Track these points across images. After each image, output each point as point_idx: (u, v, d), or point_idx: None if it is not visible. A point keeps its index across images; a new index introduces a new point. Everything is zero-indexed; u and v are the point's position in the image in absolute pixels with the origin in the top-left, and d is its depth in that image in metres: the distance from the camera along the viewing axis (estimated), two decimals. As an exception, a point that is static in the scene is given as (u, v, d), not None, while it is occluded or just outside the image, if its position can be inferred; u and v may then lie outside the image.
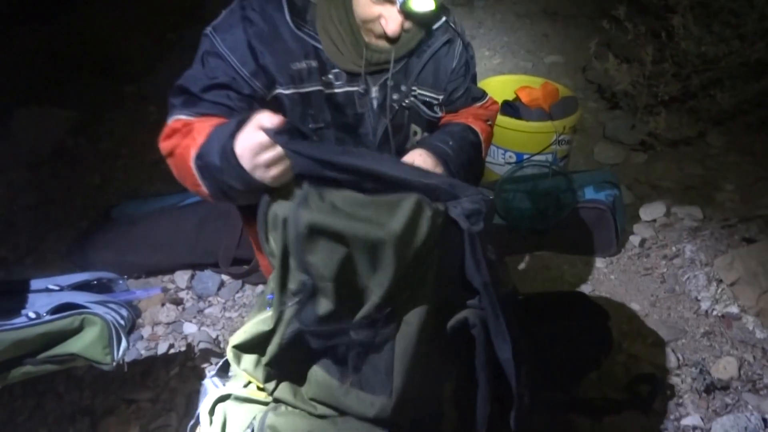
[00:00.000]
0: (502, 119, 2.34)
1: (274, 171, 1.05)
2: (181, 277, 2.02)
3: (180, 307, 1.94)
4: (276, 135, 1.02)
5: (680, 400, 1.63)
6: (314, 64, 1.32)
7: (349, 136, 1.40)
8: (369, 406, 1.01)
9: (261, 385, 1.12)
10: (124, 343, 1.19)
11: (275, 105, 1.31)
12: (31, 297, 1.25)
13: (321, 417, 1.06)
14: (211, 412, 1.13)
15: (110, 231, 2.06)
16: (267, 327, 1.06)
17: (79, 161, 2.60)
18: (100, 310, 1.20)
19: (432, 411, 1.11)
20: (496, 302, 1.03)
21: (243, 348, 1.11)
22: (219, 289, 2.00)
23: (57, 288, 1.29)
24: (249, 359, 1.12)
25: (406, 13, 1.23)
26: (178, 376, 1.71)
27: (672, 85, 2.77)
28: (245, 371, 1.12)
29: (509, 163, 2.33)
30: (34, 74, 3.08)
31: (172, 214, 2.07)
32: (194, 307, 1.95)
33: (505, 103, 2.44)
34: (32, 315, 1.15)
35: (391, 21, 1.23)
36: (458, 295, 1.07)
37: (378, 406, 1.01)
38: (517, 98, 2.46)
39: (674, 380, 1.69)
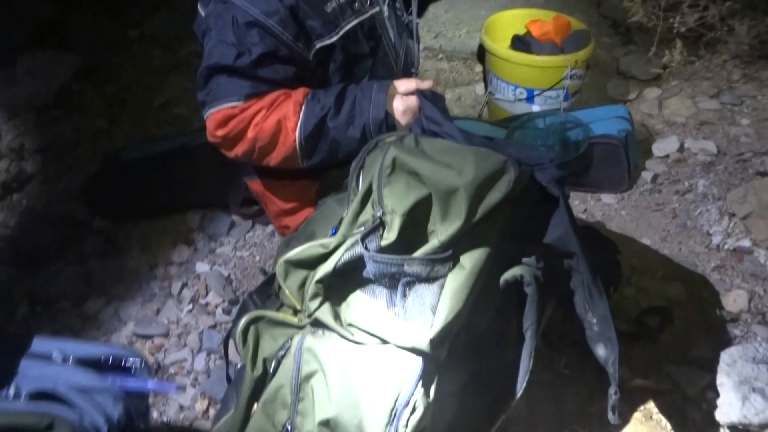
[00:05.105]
0: (512, 54, 2.30)
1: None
2: (192, 218, 2.04)
3: (192, 247, 1.96)
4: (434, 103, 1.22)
5: (689, 332, 1.64)
6: None
7: (378, 61, 1.43)
8: (409, 335, 1.03)
9: (299, 308, 1.13)
10: None
11: (318, 60, 1.32)
12: (26, 363, 1.08)
13: (358, 343, 1.08)
14: (244, 332, 1.15)
15: (120, 173, 2.07)
16: (325, 250, 1.09)
17: (86, 105, 2.60)
18: (81, 408, 1.03)
19: (470, 354, 1.14)
20: (593, 264, 1.12)
21: (295, 263, 1.12)
22: (230, 229, 2.02)
23: (60, 359, 1.10)
24: (296, 278, 1.13)
25: None
26: (191, 313, 1.75)
27: (688, 16, 2.68)
28: (288, 288, 1.13)
29: (519, 100, 2.30)
30: (38, 18, 3.04)
31: (181, 155, 2.07)
32: (206, 247, 1.97)
33: (516, 37, 2.39)
34: (12, 392, 1.01)
35: None
36: (515, 251, 1.11)
37: (417, 336, 1.02)
38: (528, 32, 2.40)
39: (683, 313, 1.69)
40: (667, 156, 2.26)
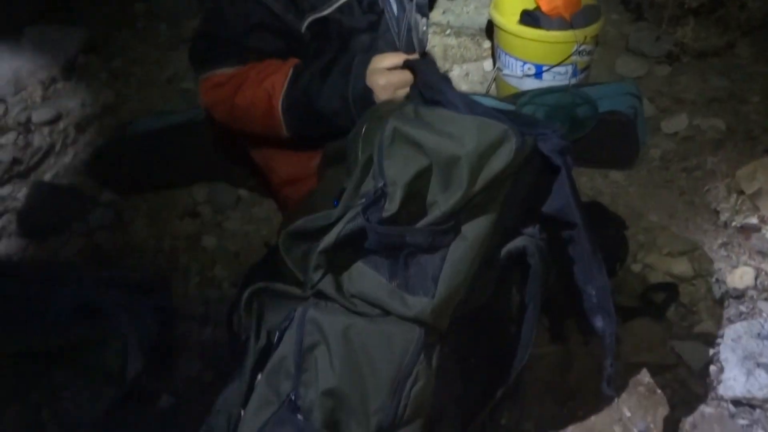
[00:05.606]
0: (521, 29, 2.27)
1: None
2: (199, 192, 2.05)
3: (198, 221, 1.97)
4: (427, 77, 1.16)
5: (695, 308, 1.64)
6: None
7: (379, 37, 1.42)
8: (411, 306, 1.03)
9: (302, 279, 1.14)
10: (137, 365, 1.13)
11: (312, 33, 1.32)
12: (63, 290, 1.19)
13: (360, 314, 1.08)
14: (248, 304, 1.15)
15: (126, 147, 2.08)
16: (327, 221, 1.08)
17: (93, 79, 2.59)
18: (125, 322, 1.14)
19: (471, 327, 1.15)
20: (594, 236, 1.11)
21: (297, 235, 1.12)
22: (236, 203, 2.02)
23: (93, 281, 1.22)
24: (298, 250, 1.13)
25: None
26: (197, 285, 1.76)
27: (700, -8, 2.64)
28: (291, 260, 1.14)
29: (527, 75, 2.28)
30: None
31: (188, 129, 2.07)
32: (212, 220, 1.98)
33: (525, 12, 2.36)
34: (56, 309, 1.11)
35: None
36: (517, 222, 1.10)
37: (419, 307, 1.02)
38: (538, 7, 2.37)
39: (689, 289, 1.69)
40: (676, 133, 2.25)
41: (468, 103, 1.10)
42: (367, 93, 1.25)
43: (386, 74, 1.24)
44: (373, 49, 1.40)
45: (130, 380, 1.09)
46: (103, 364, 1.09)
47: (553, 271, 1.15)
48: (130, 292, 1.20)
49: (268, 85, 1.29)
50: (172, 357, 1.21)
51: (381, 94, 1.24)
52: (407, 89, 1.22)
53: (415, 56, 1.27)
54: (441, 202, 1.01)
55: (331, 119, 1.27)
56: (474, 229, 1.02)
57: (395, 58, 1.25)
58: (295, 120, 1.31)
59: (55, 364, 1.09)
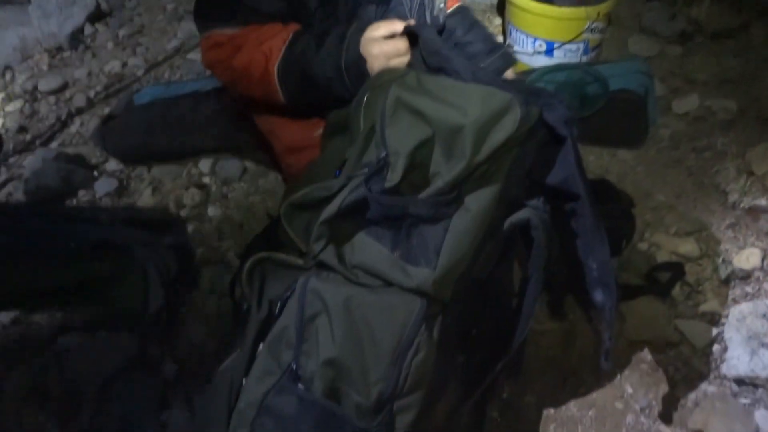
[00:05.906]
0: (532, 5, 2.24)
1: None
2: (205, 162, 2.04)
3: (204, 191, 1.97)
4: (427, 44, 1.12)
5: (700, 288, 1.63)
6: None
7: (391, 10, 1.39)
8: (412, 277, 1.02)
9: (304, 250, 1.13)
10: (158, 300, 1.10)
11: (316, 0, 1.30)
12: (78, 226, 1.16)
13: (362, 285, 1.07)
14: (250, 274, 1.15)
15: (133, 116, 2.06)
16: (329, 192, 1.07)
17: (99, 48, 2.58)
18: (144, 257, 1.11)
19: (474, 300, 1.14)
20: (597, 209, 1.09)
21: (299, 205, 1.11)
22: (242, 174, 2.02)
23: (108, 220, 1.19)
24: (300, 221, 1.12)
25: None
26: (202, 256, 1.76)
27: (716, -29, 2.60)
28: (293, 231, 1.12)
29: (538, 52, 2.25)
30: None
31: (194, 99, 2.05)
32: (218, 191, 1.98)
33: (537, -13, 2.33)
34: (73, 245, 1.09)
35: None
36: (521, 194, 1.08)
37: (421, 277, 1.01)
38: (550, -17, 2.34)
39: (695, 269, 1.68)
40: (687, 113, 2.23)
41: (472, 71, 1.07)
42: (361, 62, 1.21)
43: (380, 43, 1.20)
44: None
45: (151, 314, 1.07)
46: (124, 299, 1.07)
47: (557, 243, 1.14)
48: (147, 229, 1.17)
49: (266, 49, 1.27)
50: (189, 293, 1.20)
51: (374, 64, 1.20)
52: (402, 58, 1.18)
53: (412, 21, 1.23)
54: (444, 172, 0.99)
55: (325, 87, 1.25)
56: (477, 200, 1.01)
57: (391, 26, 1.20)
58: (290, 86, 1.28)
59: (71, 312, 1.09)
